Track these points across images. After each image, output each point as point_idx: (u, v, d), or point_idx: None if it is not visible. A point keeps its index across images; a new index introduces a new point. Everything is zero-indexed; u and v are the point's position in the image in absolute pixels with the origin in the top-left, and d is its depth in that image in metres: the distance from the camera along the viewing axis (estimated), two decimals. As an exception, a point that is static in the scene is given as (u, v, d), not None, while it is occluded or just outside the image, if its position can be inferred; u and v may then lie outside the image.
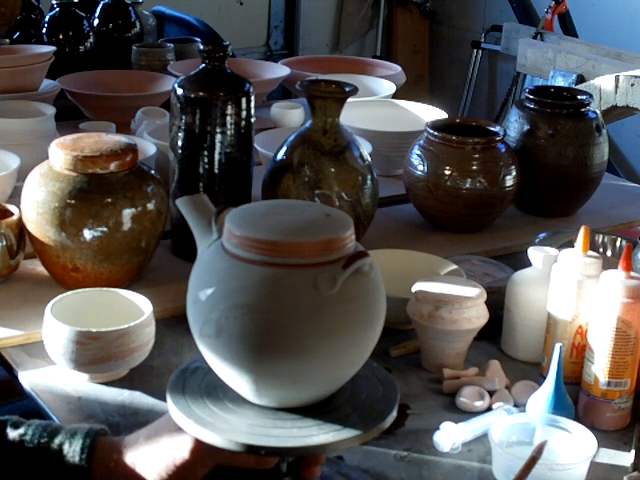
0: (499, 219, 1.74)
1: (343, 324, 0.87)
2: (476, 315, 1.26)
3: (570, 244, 1.34)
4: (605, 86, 2.46)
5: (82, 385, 1.22)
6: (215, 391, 0.94)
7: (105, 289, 1.29)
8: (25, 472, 0.96)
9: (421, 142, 1.69)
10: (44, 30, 2.42)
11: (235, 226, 0.89)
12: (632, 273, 1.14)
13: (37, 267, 1.46)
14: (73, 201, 1.34)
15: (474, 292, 1.27)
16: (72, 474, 0.94)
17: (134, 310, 1.25)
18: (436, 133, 1.67)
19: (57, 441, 0.96)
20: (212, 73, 1.47)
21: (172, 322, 1.34)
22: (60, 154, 1.36)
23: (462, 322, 1.25)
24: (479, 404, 1.19)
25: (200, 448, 0.91)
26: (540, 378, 1.23)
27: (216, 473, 0.95)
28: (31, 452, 0.96)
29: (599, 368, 1.16)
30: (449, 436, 1.11)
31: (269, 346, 0.86)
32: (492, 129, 1.71)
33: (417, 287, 1.29)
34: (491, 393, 1.21)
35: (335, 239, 0.89)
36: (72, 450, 0.95)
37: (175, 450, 0.93)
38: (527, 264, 1.31)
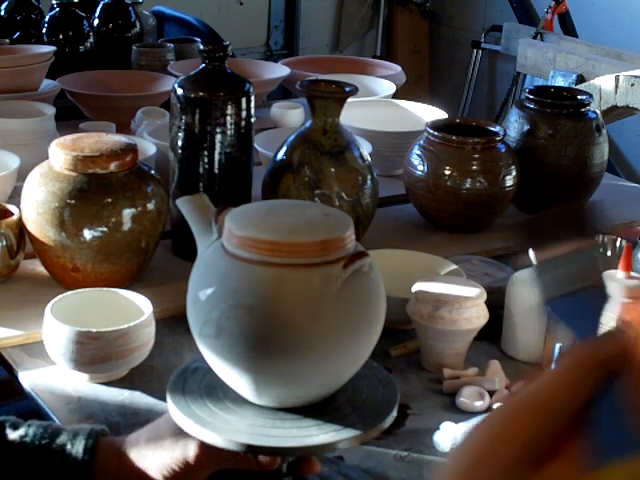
0: (499, 219, 1.74)
1: (343, 324, 0.87)
2: (476, 315, 1.26)
3: (570, 244, 1.34)
4: (605, 86, 2.46)
5: (82, 385, 1.22)
6: (215, 391, 0.94)
7: (105, 289, 1.29)
8: (27, 474, 0.95)
9: (421, 142, 1.69)
10: (44, 30, 2.42)
11: (235, 226, 0.89)
12: (632, 273, 1.14)
13: (37, 267, 1.46)
14: (73, 201, 1.34)
15: (474, 292, 1.27)
16: (75, 475, 0.94)
17: (134, 310, 1.25)
18: (436, 133, 1.67)
19: (59, 442, 0.96)
20: (212, 73, 1.47)
21: (172, 322, 1.34)
22: (60, 154, 1.36)
23: (462, 322, 1.25)
24: (479, 404, 1.19)
25: (204, 449, 0.91)
26: (540, 378, 1.23)
27: (217, 473, 0.95)
28: (33, 453, 0.95)
29: (599, 368, 1.15)
30: (449, 436, 1.11)
31: (269, 346, 0.86)
32: (492, 129, 1.71)
33: (417, 287, 1.29)
34: (491, 393, 1.21)
35: (335, 239, 0.89)
36: (75, 451, 0.95)
37: (179, 451, 0.93)
38: (527, 264, 1.31)
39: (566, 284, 0.72)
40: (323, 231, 0.89)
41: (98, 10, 2.52)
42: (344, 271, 0.87)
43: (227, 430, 0.88)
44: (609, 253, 1.51)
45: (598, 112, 1.80)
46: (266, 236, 0.87)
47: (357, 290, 0.88)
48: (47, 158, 1.40)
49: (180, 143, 1.48)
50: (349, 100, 1.48)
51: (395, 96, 2.24)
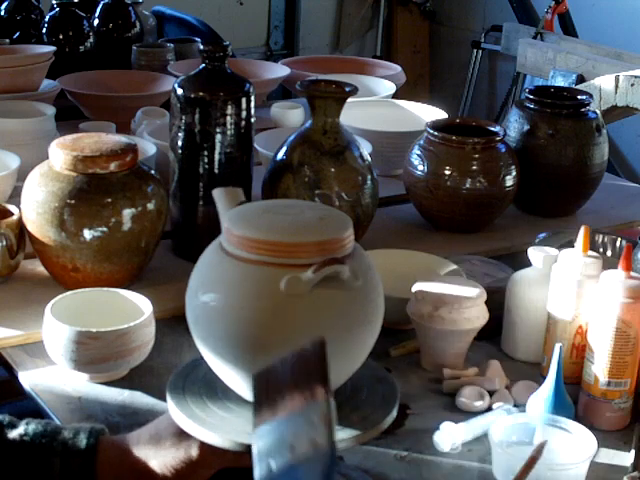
0: (499, 219, 1.74)
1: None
2: (476, 315, 1.26)
3: (570, 244, 1.34)
4: (605, 86, 2.46)
5: (82, 385, 1.22)
6: (215, 391, 0.94)
7: (105, 289, 1.29)
8: (29, 472, 0.95)
9: (421, 142, 1.69)
10: (44, 30, 2.42)
11: (233, 225, 0.89)
12: (632, 273, 1.14)
13: (37, 267, 1.46)
14: (73, 201, 1.34)
15: (474, 292, 1.27)
16: (77, 473, 0.94)
17: (134, 310, 1.25)
18: (436, 133, 1.67)
19: (60, 440, 0.96)
20: (212, 73, 1.47)
21: (172, 322, 1.34)
22: (60, 154, 1.36)
23: (462, 322, 1.25)
24: (479, 404, 1.19)
25: (208, 448, 0.91)
26: (540, 378, 1.23)
27: (218, 473, 0.95)
28: (34, 452, 0.95)
29: (599, 368, 1.16)
30: (449, 436, 1.11)
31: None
32: (492, 129, 1.71)
33: (417, 287, 1.29)
34: (491, 393, 1.21)
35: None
36: (76, 449, 0.95)
37: (182, 450, 0.93)
38: (527, 264, 1.31)
39: (279, 455, 0.69)
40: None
41: (98, 10, 2.52)
42: (314, 275, 0.86)
43: (227, 430, 0.88)
44: (609, 253, 1.51)
45: (598, 112, 1.80)
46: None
47: (330, 296, 0.88)
48: (47, 158, 1.39)
49: (180, 143, 1.48)
50: (349, 100, 1.48)
51: (395, 96, 2.24)
